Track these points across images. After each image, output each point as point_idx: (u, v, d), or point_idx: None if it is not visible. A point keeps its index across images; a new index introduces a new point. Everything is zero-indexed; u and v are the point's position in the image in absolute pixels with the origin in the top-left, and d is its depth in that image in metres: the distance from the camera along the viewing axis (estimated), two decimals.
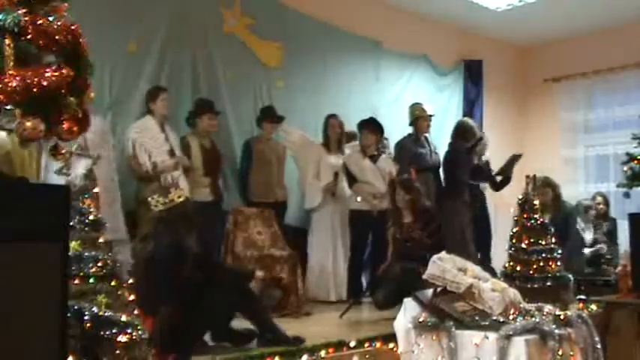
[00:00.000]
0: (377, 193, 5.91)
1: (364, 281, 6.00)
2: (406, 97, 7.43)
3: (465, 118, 7.08)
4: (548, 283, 4.27)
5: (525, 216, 4.45)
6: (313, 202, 5.99)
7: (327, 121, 6.12)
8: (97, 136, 4.81)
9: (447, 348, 3.23)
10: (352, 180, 6.01)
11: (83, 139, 4.58)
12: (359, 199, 5.94)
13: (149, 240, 3.66)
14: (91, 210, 2.60)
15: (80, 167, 2.83)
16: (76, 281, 2.38)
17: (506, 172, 6.45)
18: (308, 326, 4.64)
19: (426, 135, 6.55)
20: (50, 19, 2.31)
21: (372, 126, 6.10)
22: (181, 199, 3.72)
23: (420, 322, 3.34)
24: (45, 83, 2.20)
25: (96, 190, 2.72)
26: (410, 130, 6.55)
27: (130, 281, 2.65)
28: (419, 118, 6.43)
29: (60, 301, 1.83)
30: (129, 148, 5.04)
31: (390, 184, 5.18)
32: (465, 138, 6.40)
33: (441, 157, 6.50)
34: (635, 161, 6.03)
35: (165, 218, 3.64)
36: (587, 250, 6.45)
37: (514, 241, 4.43)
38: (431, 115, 6.53)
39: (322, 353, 3.38)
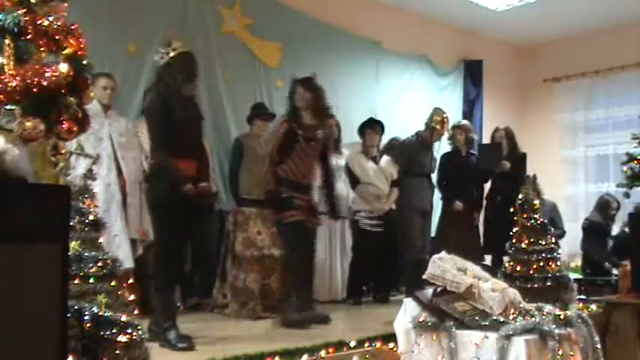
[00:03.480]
0: (380, 194, 5.91)
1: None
2: (406, 97, 7.44)
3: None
4: (548, 283, 4.26)
5: (525, 216, 4.45)
6: None
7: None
8: (124, 137, 4.84)
9: (447, 348, 3.23)
10: (354, 181, 6.01)
11: (110, 141, 4.69)
12: (363, 202, 5.94)
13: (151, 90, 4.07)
14: (91, 210, 2.60)
15: (80, 167, 2.83)
16: (76, 281, 2.38)
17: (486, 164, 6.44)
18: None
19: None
20: (50, 19, 2.31)
21: (376, 126, 6.10)
22: (183, 49, 4.01)
23: (420, 322, 3.34)
24: (45, 83, 2.20)
25: (96, 189, 2.72)
26: (416, 129, 6.35)
27: (131, 281, 2.65)
28: (438, 129, 6.15)
29: (60, 301, 1.83)
30: None
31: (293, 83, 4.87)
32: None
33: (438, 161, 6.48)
34: (635, 161, 6.03)
35: (168, 64, 3.99)
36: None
37: (514, 241, 4.43)
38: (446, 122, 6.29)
39: (322, 353, 3.38)
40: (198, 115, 4.18)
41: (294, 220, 4.58)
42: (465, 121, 6.86)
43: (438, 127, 6.11)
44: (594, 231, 6.89)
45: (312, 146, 4.70)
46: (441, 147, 6.65)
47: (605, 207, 6.89)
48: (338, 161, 6.06)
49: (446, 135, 6.41)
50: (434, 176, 6.35)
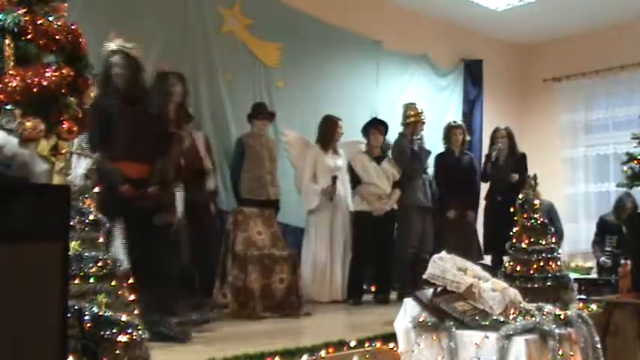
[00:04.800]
0: (381, 194, 5.91)
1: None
2: (406, 97, 7.43)
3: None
4: (548, 283, 4.26)
5: (525, 216, 4.45)
6: (311, 204, 5.96)
7: (332, 122, 6.05)
8: None
9: (447, 348, 3.22)
10: (356, 181, 6.00)
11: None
12: (364, 202, 5.94)
13: None
14: (91, 210, 2.60)
15: (80, 167, 2.82)
16: (76, 281, 2.38)
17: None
18: (307, 326, 4.65)
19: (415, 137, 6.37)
20: (50, 19, 2.32)
21: (380, 127, 6.09)
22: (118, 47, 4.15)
23: (420, 322, 3.33)
24: (45, 83, 2.21)
25: (96, 189, 2.72)
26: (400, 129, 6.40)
27: (130, 281, 2.65)
28: (417, 122, 6.29)
29: (60, 301, 1.83)
30: None
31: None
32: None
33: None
34: (635, 161, 6.04)
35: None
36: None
37: (514, 241, 4.43)
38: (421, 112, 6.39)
39: (322, 353, 3.37)
40: (149, 116, 4.13)
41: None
42: (460, 122, 6.86)
43: (414, 120, 6.24)
44: (602, 229, 6.90)
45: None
46: (437, 148, 6.69)
47: (618, 206, 6.86)
48: (336, 161, 6.07)
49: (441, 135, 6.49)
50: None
